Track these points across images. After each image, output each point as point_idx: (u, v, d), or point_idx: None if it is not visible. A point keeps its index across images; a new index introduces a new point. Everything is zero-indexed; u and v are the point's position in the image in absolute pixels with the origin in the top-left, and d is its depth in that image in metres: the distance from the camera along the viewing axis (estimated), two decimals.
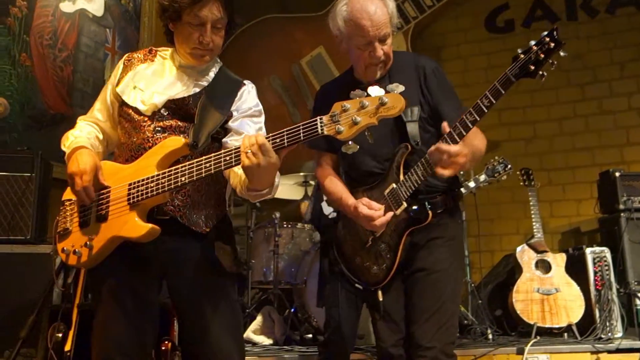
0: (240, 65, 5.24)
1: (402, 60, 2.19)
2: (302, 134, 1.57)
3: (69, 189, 1.88)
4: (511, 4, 5.51)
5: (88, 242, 1.77)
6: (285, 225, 4.08)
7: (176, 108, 1.88)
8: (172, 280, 1.87)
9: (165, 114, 1.87)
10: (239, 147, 1.65)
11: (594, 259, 3.87)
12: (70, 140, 1.90)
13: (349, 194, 2.15)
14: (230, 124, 1.90)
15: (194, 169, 1.70)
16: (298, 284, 3.88)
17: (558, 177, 5.16)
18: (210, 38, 1.85)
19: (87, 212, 1.83)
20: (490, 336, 3.78)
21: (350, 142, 1.52)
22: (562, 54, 1.78)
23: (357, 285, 2.20)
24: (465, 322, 4.03)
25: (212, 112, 1.86)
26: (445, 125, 1.93)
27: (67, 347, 2.34)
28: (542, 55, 1.78)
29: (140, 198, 1.73)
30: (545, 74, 1.81)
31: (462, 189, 3.36)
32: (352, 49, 2.11)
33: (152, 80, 1.93)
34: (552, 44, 1.77)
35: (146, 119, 1.87)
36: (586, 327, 3.69)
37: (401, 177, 2.04)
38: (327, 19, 2.16)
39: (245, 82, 2.00)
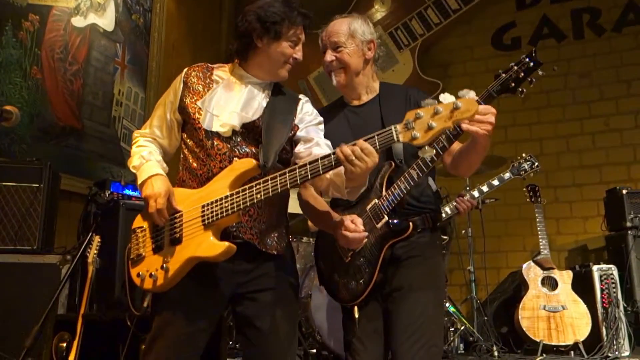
0: None
1: (393, 89, 2.29)
2: (377, 143, 1.60)
3: (138, 217, 1.94)
4: (518, 22, 5.54)
5: (164, 265, 1.79)
6: (290, 239, 4.09)
7: (247, 133, 1.90)
8: (243, 307, 1.89)
9: (238, 140, 1.89)
10: (315, 160, 1.68)
11: (600, 276, 3.86)
12: (140, 161, 1.93)
13: (332, 211, 2.15)
14: (298, 133, 1.96)
15: (269, 185, 1.72)
16: (303, 297, 3.87)
17: (565, 194, 5.16)
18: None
19: (160, 237, 1.86)
20: (496, 353, 3.76)
21: (426, 147, 1.54)
22: (540, 73, 1.94)
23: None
24: (471, 339, 4.01)
25: (276, 130, 1.89)
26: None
27: (72, 357, 2.36)
28: (522, 74, 1.95)
29: (215, 218, 1.76)
30: (524, 90, 1.96)
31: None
32: None
33: (225, 101, 1.93)
34: (531, 64, 1.94)
35: (221, 146, 1.87)
36: (593, 345, 3.68)
37: (384, 192, 2.08)
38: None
39: (300, 96, 2.06)
